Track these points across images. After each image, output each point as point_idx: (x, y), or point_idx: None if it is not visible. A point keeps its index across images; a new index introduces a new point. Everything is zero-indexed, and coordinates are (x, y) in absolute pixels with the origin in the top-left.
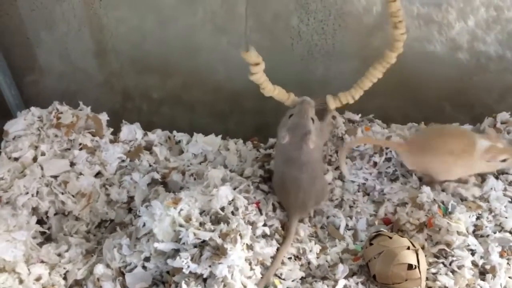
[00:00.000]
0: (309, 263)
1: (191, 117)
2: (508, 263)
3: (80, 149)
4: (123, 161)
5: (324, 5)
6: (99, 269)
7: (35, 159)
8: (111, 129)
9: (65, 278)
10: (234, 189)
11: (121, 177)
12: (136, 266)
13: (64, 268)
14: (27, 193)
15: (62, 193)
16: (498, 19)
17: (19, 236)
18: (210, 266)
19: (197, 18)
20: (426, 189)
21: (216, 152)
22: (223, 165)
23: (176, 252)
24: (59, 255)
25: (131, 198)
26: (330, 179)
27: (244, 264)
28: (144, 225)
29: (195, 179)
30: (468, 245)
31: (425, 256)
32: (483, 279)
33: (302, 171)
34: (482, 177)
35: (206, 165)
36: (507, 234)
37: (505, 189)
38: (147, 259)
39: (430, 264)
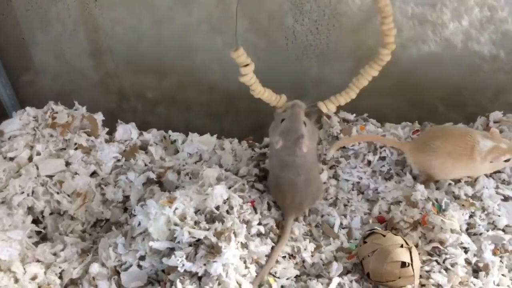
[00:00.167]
0: (303, 261)
1: (186, 117)
2: (501, 261)
3: (76, 148)
4: (118, 160)
5: (318, 5)
6: (95, 268)
7: (30, 159)
8: (107, 129)
9: (60, 277)
10: (229, 188)
11: (117, 177)
12: (131, 265)
13: (60, 267)
14: (23, 192)
15: (58, 193)
16: (492, 19)
17: (14, 236)
18: (205, 265)
19: (192, 18)
20: (420, 187)
21: (211, 151)
22: (218, 164)
23: (171, 251)
24: (55, 254)
25: (126, 198)
26: (325, 178)
27: (238, 263)
28: (139, 224)
29: (190, 178)
30: (461, 243)
31: (419, 254)
32: (476, 277)
33: (298, 174)
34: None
35: (201, 165)
36: (500, 232)
37: (497, 187)
38: (142, 258)
39: (423, 262)
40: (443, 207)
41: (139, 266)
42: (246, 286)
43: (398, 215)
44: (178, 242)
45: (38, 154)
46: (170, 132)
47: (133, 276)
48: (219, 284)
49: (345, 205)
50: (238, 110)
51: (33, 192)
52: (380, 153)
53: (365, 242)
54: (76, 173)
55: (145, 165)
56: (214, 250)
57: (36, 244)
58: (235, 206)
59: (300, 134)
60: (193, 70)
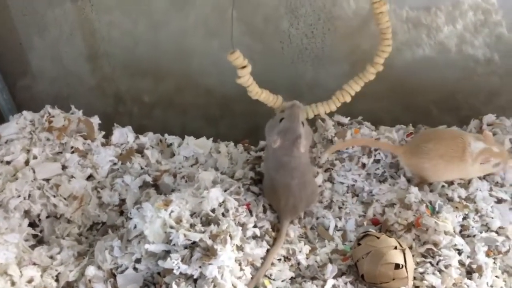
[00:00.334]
0: (298, 263)
1: (183, 120)
2: (494, 263)
3: (72, 152)
4: (114, 164)
5: (313, 9)
6: (91, 270)
7: (27, 163)
8: (103, 133)
9: (57, 280)
10: (225, 191)
11: (113, 180)
12: (127, 268)
13: (56, 270)
14: (19, 196)
15: (54, 196)
16: (486, 23)
17: (11, 239)
18: (200, 267)
19: (188, 22)
20: (414, 189)
21: (207, 154)
22: (214, 167)
23: (166, 254)
24: (51, 257)
25: (122, 201)
26: (320, 182)
27: (234, 265)
28: (135, 227)
29: (186, 181)
30: (455, 245)
31: (413, 255)
32: (470, 278)
33: (292, 177)
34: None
35: (197, 168)
36: (493, 234)
37: (490, 189)
38: (138, 260)
39: (417, 263)
40: (437, 209)
41: (135, 268)
42: None
43: (392, 217)
44: (174, 244)
45: (35, 157)
46: (166, 135)
47: (129, 278)
48: (214, 286)
49: (340, 208)
50: (234, 114)
51: (29, 195)
52: (375, 156)
53: (359, 244)
54: (72, 177)
55: (141, 168)
56: (209, 253)
57: (33, 247)
58: (230, 209)
59: (299, 134)
60: (190, 73)
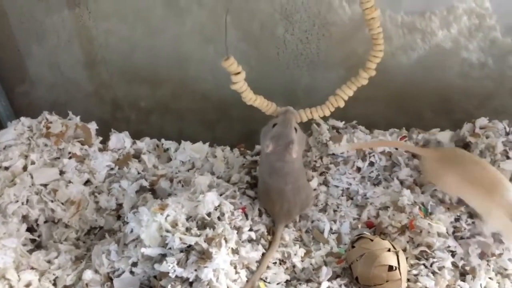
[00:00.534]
0: (294, 266)
1: (179, 125)
2: (488, 264)
3: (70, 157)
4: (111, 169)
5: (308, 16)
6: (88, 274)
7: (25, 168)
8: (100, 138)
9: (54, 284)
10: (221, 195)
11: (110, 185)
12: (124, 272)
13: (54, 274)
14: (17, 201)
15: (52, 201)
16: (480, 27)
17: (9, 243)
18: (196, 270)
19: (185, 28)
20: (406, 192)
21: (203, 159)
22: (210, 172)
23: (163, 257)
24: (49, 261)
25: (120, 206)
26: (315, 185)
27: (229, 268)
28: (131, 231)
29: (182, 186)
30: (449, 247)
31: (407, 258)
32: (463, 280)
33: (286, 182)
34: None
35: (193, 172)
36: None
37: None
38: (134, 264)
39: (411, 265)
40: (430, 211)
41: (132, 272)
42: None
43: (386, 220)
44: (170, 248)
45: (33, 163)
46: (163, 140)
47: (126, 282)
48: None
49: (334, 211)
50: (230, 118)
51: (27, 200)
52: (369, 158)
53: (353, 247)
54: (70, 182)
55: (138, 173)
56: (205, 256)
57: (30, 251)
58: (226, 212)
59: (291, 140)
60: (186, 79)
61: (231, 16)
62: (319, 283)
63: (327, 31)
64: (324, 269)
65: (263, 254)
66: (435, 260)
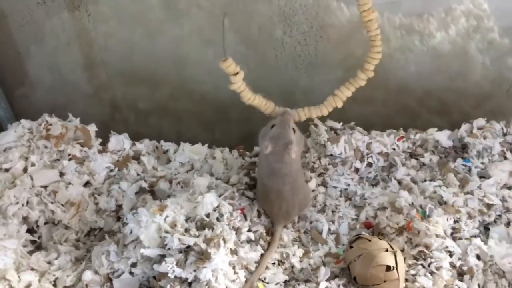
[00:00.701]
0: (292, 267)
1: (178, 127)
2: (485, 264)
3: (69, 159)
4: (111, 170)
5: (306, 18)
6: (87, 275)
7: (25, 170)
8: (100, 140)
9: (54, 285)
10: (220, 196)
11: (110, 186)
12: (123, 272)
13: (54, 275)
14: (18, 202)
15: (52, 203)
16: (478, 28)
17: (9, 245)
18: (194, 271)
19: (183, 31)
20: (404, 193)
21: (202, 160)
22: (209, 173)
23: (162, 258)
24: (49, 262)
25: (119, 207)
26: (313, 186)
27: (228, 268)
28: (131, 232)
29: (182, 187)
30: (446, 247)
31: (405, 258)
32: (461, 280)
33: (284, 182)
34: (461, 183)
35: (193, 174)
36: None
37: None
38: (134, 265)
39: (409, 266)
40: (428, 213)
41: (131, 273)
42: None
43: (384, 221)
44: (169, 249)
45: (33, 165)
46: (162, 142)
47: (125, 283)
48: None
49: (333, 211)
50: (229, 120)
51: (27, 202)
52: (367, 159)
53: (351, 247)
54: (70, 183)
55: (138, 174)
56: (203, 256)
57: (31, 253)
58: (225, 213)
59: (289, 140)
60: (185, 81)
61: (229, 18)
62: (318, 283)
63: (325, 33)
64: (323, 269)
65: (261, 255)
66: (433, 260)
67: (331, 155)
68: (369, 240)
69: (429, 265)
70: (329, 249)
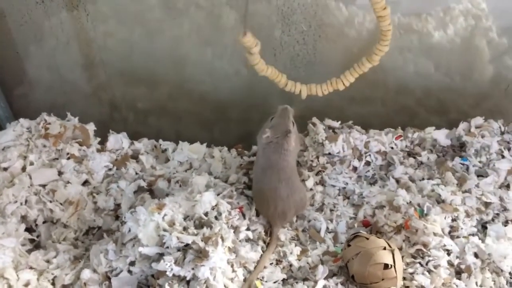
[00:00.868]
0: (290, 265)
1: (177, 126)
2: (483, 262)
3: (68, 158)
4: (110, 169)
5: (305, 17)
6: (86, 274)
7: (24, 169)
8: (98, 139)
9: (53, 284)
10: (218, 194)
11: (108, 185)
12: (122, 271)
13: (52, 274)
14: (16, 201)
15: (50, 201)
16: (476, 28)
17: (7, 243)
18: (193, 269)
19: (182, 30)
20: (401, 192)
21: (201, 159)
22: (208, 172)
23: (160, 256)
24: (47, 261)
25: (118, 206)
26: (311, 185)
27: (226, 266)
28: (129, 230)
29: (180, 186)
30: (444, 245)
31: (403, 256)
32: (459, 278)
33: (279, 178)
34: (459, 181)
35: (191, 173)
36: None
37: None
38: (132, 263)
39: (407, 264)
40: (425, 212)
41: (130, 271)
42: None
43: (382, 219)
44: (167, 247)
45: (31, 164)
46: (160, 141)
47: (124, 281)
48: (206, 287)
49: (331, 210)
50: (228, 120)
51: (26, 201)
52: (366, 158)
53: (349, 245)
54: (68, 182)
55: (136, 173)
56: (202, 255)
57: (29, 251)
58: (223, 212)
59: (288, 129)
60: (184, 80)
61: (228, 19)
62: (316, 282)
63: (323, 32)
64: (321, 267)
65: (260, 256)
66: (430, 258)
67: (329, 153)
68: (367, 239)
69: (427, 264)
70: (327, 248)
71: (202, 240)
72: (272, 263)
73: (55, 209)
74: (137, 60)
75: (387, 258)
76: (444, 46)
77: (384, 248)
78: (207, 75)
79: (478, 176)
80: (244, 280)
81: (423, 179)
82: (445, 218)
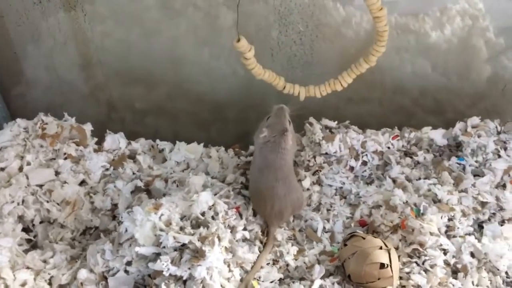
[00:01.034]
0: (287, 265)
1: (174, 126)
2: (479, 262)
3: (65, 158)
4: (107, 169)
5: (302, 17)
6: (83, 274)
7: (20, 169)
8: (95, 139)
9: (50, 284)
10: (215, 194)
11: (105, 185)
12: (118, 270)
13: (49, 274)
14: (13, 201)
15: (47, 202)
16: (473, 28)
17: (4, 243)
18: (189, 268)
19: (180, 31)
20: (398, 191)
21: (198, 159)
22: (205, 172)
23: (157, 256)
24: (44, 261)
25: (115, 206)
26: (308, 185)
27: (222, 266)
28: (126, 230)
29: (177, 186)
30: (441, 245)
31: (399, 256)
32: (455, 278)
33: (276, 178)
34: (456, 181)
35: (188, 173)
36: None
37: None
38: (129, 263)
39: (404, 263)
40: (422, 211)
41: (126, 271)
42: None
43: (378, 219)
44: (164, 247)
45: (28, 164)
46: (158, 141)
47: (120, 281)
48: (203, 287)
49: (328, 210)
50: (225, 120)
51: (23, 201)
52: (362, 158)
53: (345, 245)
54: (65, 182)
55: (133, 173)
56: (198, 254)
57: (26, 251)
58: (220, 212)
59: (285, 127)
60: (181, 81)
61: (225, 19)
62: (312, 281)
63: (321, 33)
64: (317, 267)
65: (257, 256)
66: (427, 258)
67: (326, 153)
68: (364, 238)
69: (423, 263)
70: (323, 247)
71: (198, 240)
72: (269, 263)
73: (52, 209)
74: (135, 60)
75: (383, 257)
76: (441, 46)
77: (381, 248)
78: (204, 75)
79: (474, 175)
80: (241, 280)
81: (419, 178)
82: (441, 217)
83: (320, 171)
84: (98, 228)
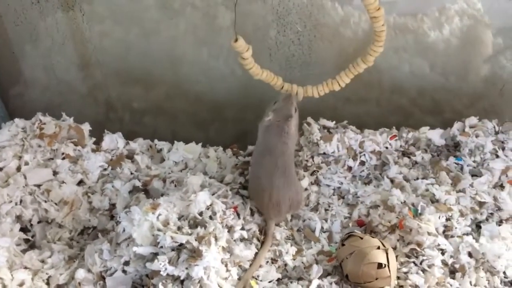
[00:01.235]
0: (285, 264)
1: (173, 126)
2: (477, 262)
3: (63, 158)
4: (105, 169)
5: (300, 17)
6: (80, 273)
7: (18, 169)
8: (94, 139)
9: (47, 283)
10: (213, 194)
11: (103, 185)
12: (116, 270)
13: (47, 274)
14: (11, 201)
15: (45, 201)
16: (472, 28)
17: (2, 243)
18: (187, 268)
19: (179, 31)
20: (396, 191)
21: (196, 159)
22: (203, 172)
23: (154, 256)
24: (42, 261)
25: (113, 206)
26: (306, 185)
27: (220, 266)
28: (124, 230)
29: (175, 186)
30: (438, 245)
31: (397, 256)
32: (453, 278)
33: (277, 164)
34: (453, 181)
35: (186, 172)
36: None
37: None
38: (126, 263)
39: (401, 263)
40: (419, 211)
41: (124, 271)
42: None
43: (376, 219)
44: (161, 247)
45: (26, 164)
46: (156, 141)
47: (118, 281)
48: (201, 287)
49: (326, 210)
50: (223, 120)
51: (21, 201)
52: (360, 158)
53: (343, 245)
54: (63, 182)
55: (131, 173)
56: (195, 254)
57: (24, 251)
58: (218, 211)
59: (290, 114)
60: (180, 81)
61: (224, 19)
62: (310, 281)
63: (319, 33)
64: (315, 267)
65: (255, 254)
66: (424, 258)
67: (324, 153)
68: (361, 238)
69: (421, 263)
70: (321, 247)
71: (196, 240)
72: (268, 262)
73: (50, 209)
74: (133, 60)
75: (381, 257)
76: (440, 46)
77: (378, 248)
78: (203, 75)
79: (472, 175)
80: (239, 279)
81: (417, 178)
82: (439, 217)
83: (318, 171)
84: (96, 228)
